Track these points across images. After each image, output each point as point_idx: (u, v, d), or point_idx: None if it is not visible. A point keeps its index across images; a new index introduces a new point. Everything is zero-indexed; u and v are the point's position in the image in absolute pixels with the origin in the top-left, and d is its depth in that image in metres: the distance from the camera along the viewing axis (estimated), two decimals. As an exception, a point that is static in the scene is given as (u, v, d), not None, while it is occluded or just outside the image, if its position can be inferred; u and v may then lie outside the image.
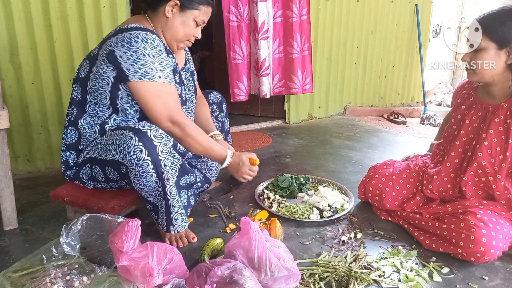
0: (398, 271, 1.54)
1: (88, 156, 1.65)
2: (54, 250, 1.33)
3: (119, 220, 1.37)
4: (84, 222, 1.35)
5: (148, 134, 1.49)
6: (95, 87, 1.60)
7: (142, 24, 1.60)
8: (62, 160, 1.71)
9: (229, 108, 2.42)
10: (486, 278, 1.52)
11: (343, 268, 1.51)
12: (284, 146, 3.20)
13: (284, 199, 2.16)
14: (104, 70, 1.56)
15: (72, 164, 1.71)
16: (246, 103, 3.88)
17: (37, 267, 1.31)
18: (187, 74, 1.85)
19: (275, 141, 3.33)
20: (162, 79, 1.54)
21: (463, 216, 1.60)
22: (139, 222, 1.33)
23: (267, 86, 3.38)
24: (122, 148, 1.49)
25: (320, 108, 4.06)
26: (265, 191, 2.22)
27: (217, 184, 2.15)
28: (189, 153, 1.79)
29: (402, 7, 4.29)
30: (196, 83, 1.97)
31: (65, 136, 1.70)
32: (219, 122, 2.11)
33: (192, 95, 1.86)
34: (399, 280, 1.49)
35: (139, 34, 1.52)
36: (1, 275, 1.29)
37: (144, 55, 1.51)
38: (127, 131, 1.50)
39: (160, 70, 1.54)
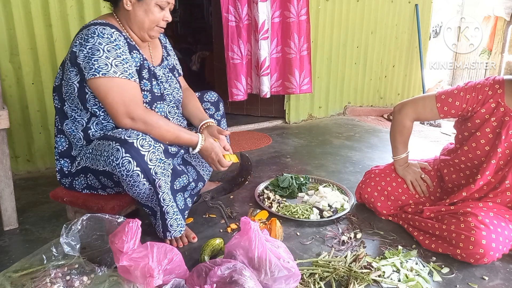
0: (398, 271, 1.54)
1: (80, 166, 1.64)
2: (54, 250, 1.33)
3: (119, 220, 1.37)
4: (84, 222, 1.35)
5: (135, 144, 1.46)
6: (68, 94, 1.60)
7: (106, 20, 1.58)
8: (58, 169, 1.71)
9: (228, 108, 2.43)
10: (486, 278, 1.52)
11: (343, 268, 1.51)
12: (284, 146, 3.20)
13: (284, 199, 2.16)
14: (69, 76, 1.55)
15: (67, 172, 1.70)
16: (246, 103, 3.88)
17: (37, 267, 1.31)
18: (165, 70, 1.80)
19: (275, 141, 3.33)
20: (118, 75, 1.50)
21: (464, 218, 1.60)
22: (140, 222, 1.33)
23: (267, 86, 3.38)
24: (110, 160, 1.48)
25: (320, 108, 4.06)
26: (265, 191, 2.22)
27: (218, 184, 2.15)
28: (182, 151, 1.77)
29: (402, 7, 4.29)
30: (180, 77, 1.96)
31: (56, 145, 1.70)
32: (215, 122, 2.07)
33: (174, 90, 1.82)
34: (399, 280, 1.49)
35: (96, 29, 1.50)
36: (1, 275, 1.29)
37: (98, 50, 1.48)
38: (114, 142, 1.48)
39: (116, 65, 1.50)
